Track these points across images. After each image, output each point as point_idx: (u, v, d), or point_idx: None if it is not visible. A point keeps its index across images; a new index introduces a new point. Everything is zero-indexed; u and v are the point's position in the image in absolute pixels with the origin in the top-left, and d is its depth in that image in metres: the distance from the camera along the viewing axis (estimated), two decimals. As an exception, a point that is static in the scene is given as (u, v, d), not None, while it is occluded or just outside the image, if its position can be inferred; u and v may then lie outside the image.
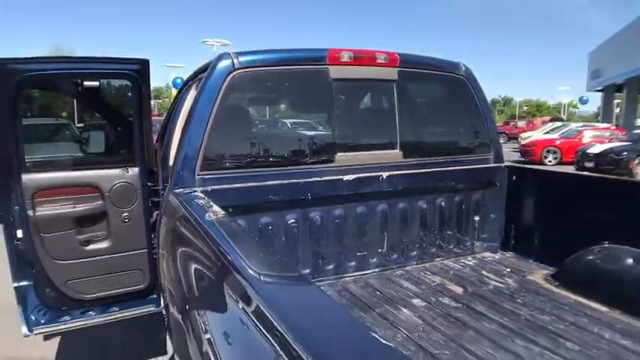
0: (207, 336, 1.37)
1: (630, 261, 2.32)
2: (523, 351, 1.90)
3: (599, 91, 36.34)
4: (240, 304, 1.20)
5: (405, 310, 2.29)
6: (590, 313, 2.25)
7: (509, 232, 3.17)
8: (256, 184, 2.44)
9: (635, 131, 18.06)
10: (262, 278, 1.22)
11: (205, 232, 1.53)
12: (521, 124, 37.49)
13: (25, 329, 2.81)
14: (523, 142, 21.35)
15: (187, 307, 1.67)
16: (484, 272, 2.80)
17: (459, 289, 2.55)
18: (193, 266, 1.76)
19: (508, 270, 2.84)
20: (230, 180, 2.42)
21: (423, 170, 2.86)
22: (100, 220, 2.92)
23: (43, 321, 2.89)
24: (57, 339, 3.85)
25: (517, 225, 3.13)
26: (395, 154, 2.83)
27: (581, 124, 24.27)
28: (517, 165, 3.17)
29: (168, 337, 2.68)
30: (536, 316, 2.21)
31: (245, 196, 2.42)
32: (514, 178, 3.11)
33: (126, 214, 2.93)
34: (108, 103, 3.31)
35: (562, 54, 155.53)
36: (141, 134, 2.90)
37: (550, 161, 17.94)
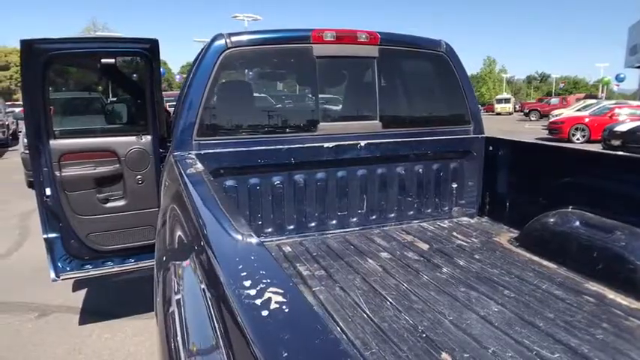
0: (178, 297, 1.26)
1: (577, 223, 2.56)
2: (462, 295, 2.19)
3: (638, 67, 34.85)
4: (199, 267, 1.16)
5: (370, 261, 2.61)
6: (537, 269, 2.51)
7: (485, 198, 3.42)
8: (245, 149, 2.78)
9: (668, 109, 17.51)
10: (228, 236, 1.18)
11: (184, 184, 1.81)
12: (555, 101, 36.56)
13: (53, 274, 3.26)
14: (552, 120, 21.00)
15: (164, 262, 1.61)
16: (454, 233, 3.08)
17: (425, 246, 2.85)
18: (172, 221, 1.82)
19: (477, 232, 3.11)
20: (223, 145, 2.76)
21: (401, 140, 3.14)
22: (117, 181, 3.32)
23: (68, 268, 3.34)
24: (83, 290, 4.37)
25: (492, 192, 3.37)
26: (374, 125, 3.11)
27: (613, 101, 23.55)
28: (493, 136, 3.39)
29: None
30: (486, 270, 2.49)
31: (236, 160, 2.77)
32: (490, 148, 3.34)
33: (140, 176, 3.33)
34: (126, 78, 3.69)
35: (603, 29, 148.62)
36: (152, 105, 3.27)
37: (578, 139, 17.65)
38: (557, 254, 2.57)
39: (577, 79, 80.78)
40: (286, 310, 0.76)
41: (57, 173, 3.14)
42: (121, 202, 3.35)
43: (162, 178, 2.88)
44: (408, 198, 3.27)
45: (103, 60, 3.18)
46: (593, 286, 2.29)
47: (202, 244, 1.16)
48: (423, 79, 3.49)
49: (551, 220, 2.72)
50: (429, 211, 3.36)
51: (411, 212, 3.31)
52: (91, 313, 3.93)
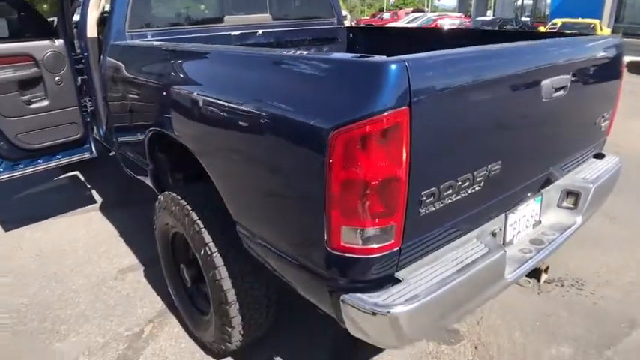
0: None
1: None
2: None
3: (455, -18, 38.89)
4: None
5: None
6: None
7: None
8: (172, 37, 3.35)
9: (477, 18, 20.72)
10: None
11: (174, 49, 2.42)
12: (387, 16, 39.52)
13: None
14: (387, 32, 23.28)
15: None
16: None
17: None
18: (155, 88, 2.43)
19: None
20: (152, 36, 3.26)
21: (286, 29, 3.98)
22: (38, 83, 3.59)
23: (1, 169, 3.62)
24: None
25: None
26: (266, 17, 3.92)
27: (437, 13, 26.69)
28: (352, 26, 4.43)
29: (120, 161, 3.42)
30: None
31: None
32: (351, 35, 4.37)
33: (58, 77, 3.61)
34: None
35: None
36: (62, 11, 3.57)
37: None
38: None
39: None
40: None
41: None
42: (44, 103, 3.60)
43: (103, 72, 3.25)
44: None
45: None
46: None
47: None
48: None
49: None
50: None
51: None
52: (14, 221, 4.16)
